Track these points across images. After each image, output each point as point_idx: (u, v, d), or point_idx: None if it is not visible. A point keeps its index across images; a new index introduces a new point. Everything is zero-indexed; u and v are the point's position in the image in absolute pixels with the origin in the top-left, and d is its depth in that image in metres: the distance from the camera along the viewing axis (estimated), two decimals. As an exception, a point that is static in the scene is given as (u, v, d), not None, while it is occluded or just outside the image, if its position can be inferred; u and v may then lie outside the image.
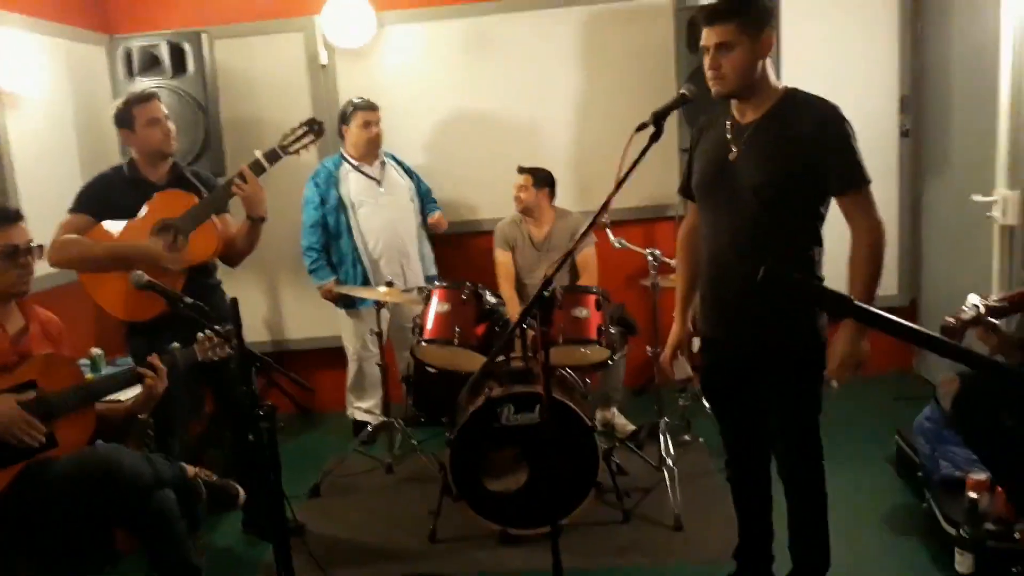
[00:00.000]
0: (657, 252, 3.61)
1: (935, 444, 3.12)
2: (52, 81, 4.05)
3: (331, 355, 4.69)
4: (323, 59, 4.61)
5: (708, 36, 2.23)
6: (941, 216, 4.45)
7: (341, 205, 4.23)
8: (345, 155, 4.27)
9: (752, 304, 2.29)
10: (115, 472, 2.46)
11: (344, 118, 4.23)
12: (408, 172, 4.44)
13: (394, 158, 4.42)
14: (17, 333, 2.55)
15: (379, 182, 4.27)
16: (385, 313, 4.21)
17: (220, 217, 3.24)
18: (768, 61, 2.27)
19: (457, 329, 3.32)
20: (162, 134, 3.20)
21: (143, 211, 3.13)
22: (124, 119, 3.17)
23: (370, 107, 4.20)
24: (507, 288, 4.19)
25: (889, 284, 4.66)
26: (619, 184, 2.09)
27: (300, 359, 4.92)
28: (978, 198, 3.73)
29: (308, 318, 4.85)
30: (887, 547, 3.04)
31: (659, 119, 2.14)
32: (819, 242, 2.31)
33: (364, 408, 4.48)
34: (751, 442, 2.57)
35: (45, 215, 3.81)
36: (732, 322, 2.41)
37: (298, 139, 3.32)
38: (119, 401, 2.78)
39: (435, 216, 4.44)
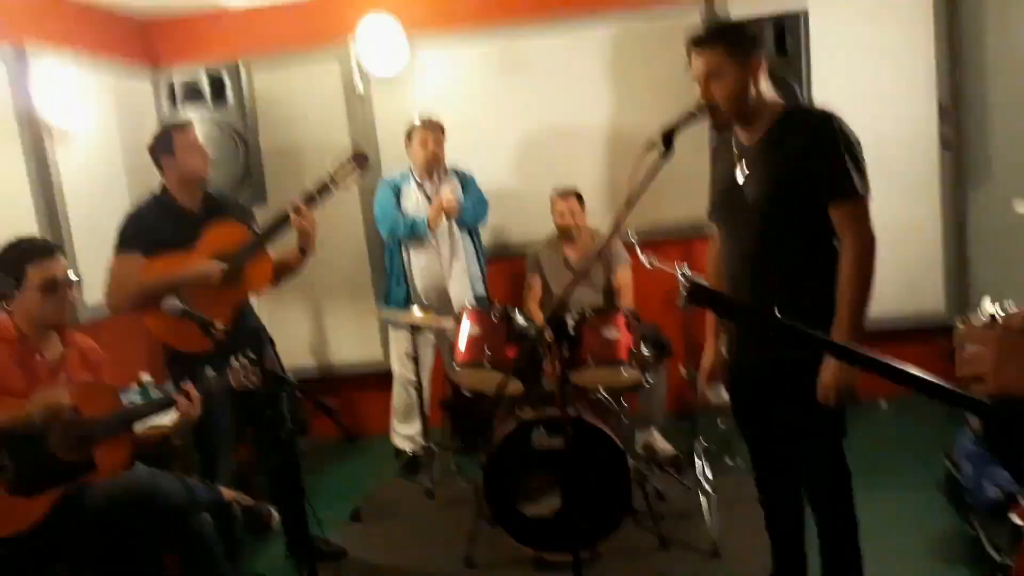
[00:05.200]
0: (688, 271, 3.57)
1: (980, 466, 3.02)
2: (100, 115, 4.21)
3: (377, 379, 4.74)
4: (359, 87, 4.70)
5: (696, 63, 2.25)
6: (987, 228, 4.32)
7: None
8: (411, 170, 4.28)
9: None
10: (151, 495, 2.54)
11: (408, 134, 4.23)
12: (467, 186, 4.34)
13: (458, 173, 4.36)
14: (56, 360, 2.63)
15: (431, 201, 4.21)
16: (429, 336, 4.26)
17: None
18: (763, 82, 2.26)
19: (488, 351, 3.31)
20: (201, 159, 3.25)
21: (197, 245, 3.16)
22: (165, 145, 3.19)
23: (429, 126, 4.19)
24: (534, 308, 4.22)
25: (936, 301, 4.54)
26: (629, 205, 2.08)
27: (346, 383, 4.98)
28: (1024, 209, 3.62)
29: (353, 341, 4.91)
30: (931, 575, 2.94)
31: (668, 137, 2.13)
32: (832, 258, 2.24)
33: (406, 435, 4.46)
34: (779, 464, 2.53)
35: (96, 247, 3.96)
36: (749, 341, 2.38)
37: (347, 173, 3.36)
38: (157, 426, 2.84)
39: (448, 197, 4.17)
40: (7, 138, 3.56)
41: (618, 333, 3.24)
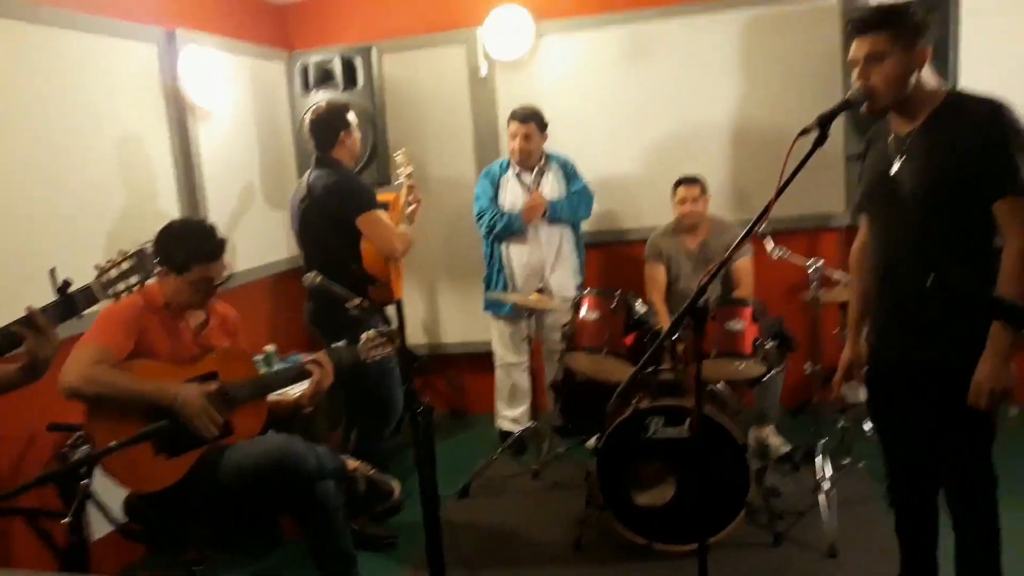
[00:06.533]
0: (820, 264, 3.46)
1: None
2: (237, 95, 4.38)
3: (483, 360, 4.80)
4: (483, 71, 4.73)
5: (858, 47, 2.15)
6: None
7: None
8: (510, 158, 4.29)
9: (918, 318, 2.19)
10: (283, 460, 2.64)
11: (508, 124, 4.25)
12: (569, 176, 4.32)
13: (560, 162, 4.32)
14: (199, 326, 2.79)
15: (531, 192, 4.23)
16: (530, 321, 4.29)
17: None
18: (927, 70, 2.15)
19: (606, 337, 3.32)
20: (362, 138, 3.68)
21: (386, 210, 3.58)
22: (344, 121, 3.53)
23: (517, 118, 4.16)
24: (657, 299, 4.15)
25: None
26: (779, 192, 2.01)
27: (453, 362, 5.07)
28: None
29: (462, 322, 5.00)
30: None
31: (824, 124, 2.04)
32: (991, 255, 2.13)
33: (511, 417, 4.49)
34: (918, 466, 2.42)
35: (228, 219, 4.17)
36: (898, 336, 2.29)
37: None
38: (289, 394, 2.97)
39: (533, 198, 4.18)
40: (155, 114, 3.75)
41: (744, 325, 3.18)
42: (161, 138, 3.78)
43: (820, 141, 2.01)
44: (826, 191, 4.35)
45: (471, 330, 4.88)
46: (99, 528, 3.01)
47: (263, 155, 4.55)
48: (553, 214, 4.18)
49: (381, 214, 3.43)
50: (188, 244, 2.66)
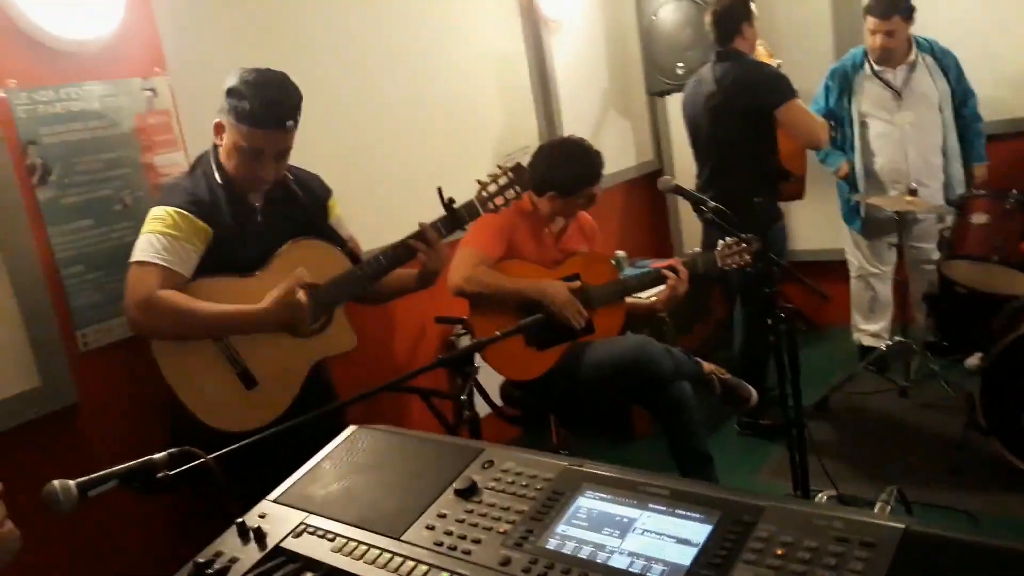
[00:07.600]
0: None
1: None
2: (586, 6, 4.42)
3: (837, 269, 4.49)
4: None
5: None
6: None
7: (849, 120, 3.80)
8: (868, 53, 3.75)
9: None
10: (641, 360, 2.72)
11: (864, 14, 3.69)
12: (945, 70, 3.68)
13: (935, 53, 3.69)
14: (560, 231, 2.93)
15: (899, 93, 3.68)
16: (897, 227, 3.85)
17: None
18: None
19: (997, 243, 2.93)
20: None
21: None
22: (748, 11, 3.42)
23: (875, 12, 3.57)
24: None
25: None
26: None
27: (804, 271, 4.79)
28: None
29: (814, 230, 4.69)
30: None
31: None
32: None
33: (871, 331, 4.13)
34: None
35: (581, 130, 4.27)
36: None
37: None
38: (644, 298, 3.04)
39: (979, 169, 3.67)
40: (513, 30, 3.93)
41: None
42: (520, 54, 3.97)
43: None
44: None
45: (824, 237, 4.57)
46: (480, 410, 3.35)
47: (610, 63, 4.59)
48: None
49: (802, 103, 3.30)
50: (575, 169, 2.78)
